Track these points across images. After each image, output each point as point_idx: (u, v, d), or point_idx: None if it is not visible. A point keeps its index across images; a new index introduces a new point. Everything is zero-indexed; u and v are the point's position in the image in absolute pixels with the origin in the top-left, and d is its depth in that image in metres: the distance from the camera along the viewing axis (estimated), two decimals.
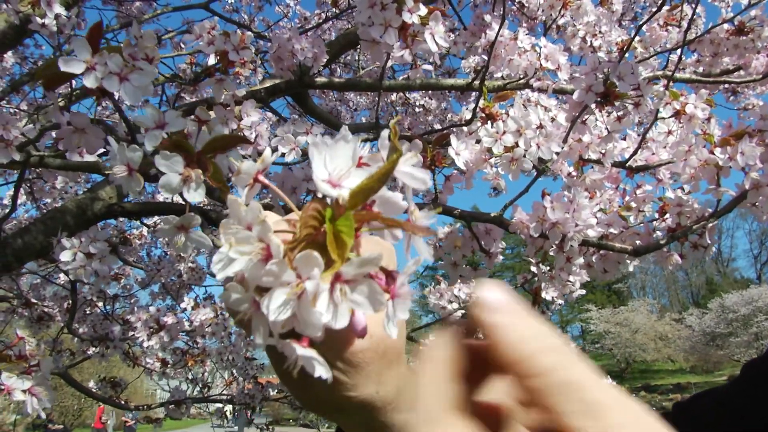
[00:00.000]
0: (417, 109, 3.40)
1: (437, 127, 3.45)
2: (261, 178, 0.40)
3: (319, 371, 0.34)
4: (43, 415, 1.20)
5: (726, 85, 2.61)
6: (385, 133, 0.38)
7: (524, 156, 1.08)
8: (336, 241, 0.33)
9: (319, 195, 0.36)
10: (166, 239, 0.67)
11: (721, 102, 3.64)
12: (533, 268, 1.36)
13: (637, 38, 2.28)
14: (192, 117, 0.87)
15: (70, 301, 2.17)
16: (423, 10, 0.97)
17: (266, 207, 0.38)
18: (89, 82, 0.71)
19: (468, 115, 1.33)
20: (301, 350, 0.34)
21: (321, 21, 3.43)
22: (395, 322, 0.36)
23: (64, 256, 1.36)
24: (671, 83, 2.29)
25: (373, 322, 0.41)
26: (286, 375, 0.44)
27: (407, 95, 3.44)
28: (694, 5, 1.45)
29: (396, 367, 0.45)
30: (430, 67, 1.44)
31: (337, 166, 0.36)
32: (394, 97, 3.88)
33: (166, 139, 0.66)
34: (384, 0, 1.01)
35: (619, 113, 1.25)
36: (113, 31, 3.22)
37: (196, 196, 0.60)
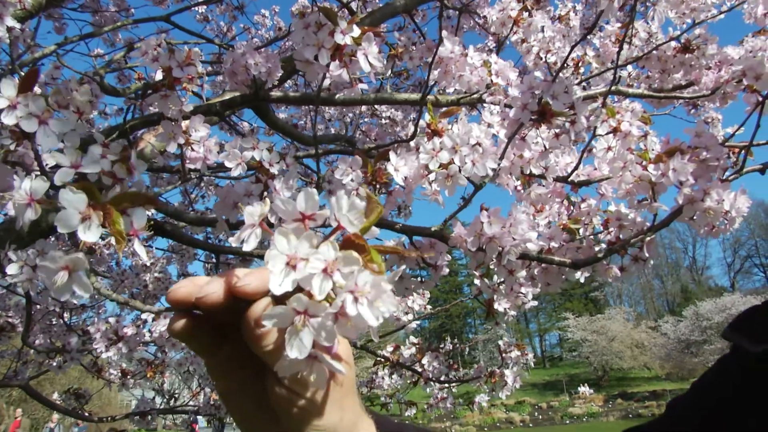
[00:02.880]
0: (384, 121, 3.43)
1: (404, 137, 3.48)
2: (264, 224, 0.47)
3: (339, 367, 0.43)
4: None
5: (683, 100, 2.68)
6: (363, 190, 0.48)
7: (459, 172, 1.11)
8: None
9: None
10: (46, 276, 0.67)
11: (681, 115, 3.72)
12: (477, 281, 1.39)
13: (592, 53, 2.34)
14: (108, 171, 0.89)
15: (26, 311, 2.15)
16: (356, 32, 1.00)
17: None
18: (8, 120, 0.73)
19: (412, 130, 1.36)
20: (330, 358, 0.42)
21: (287, 32, 3.45)
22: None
23: (11, 269, 1.36)
24: (625, 99, 2.34)
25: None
26: (254, 415, 0.49)
27: (375, 107, 3.47)
28: (625, 29, 1.50)
29: (353, 396, 0.49)
30: (365, 86, 1.47)
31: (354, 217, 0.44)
32: (364, 108, 3.91)
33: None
34: (320, 20, 1.04)
35: (556, 130, 1.28)
36: (80, 40, 3.20)
37: (90, 236, 0.61)
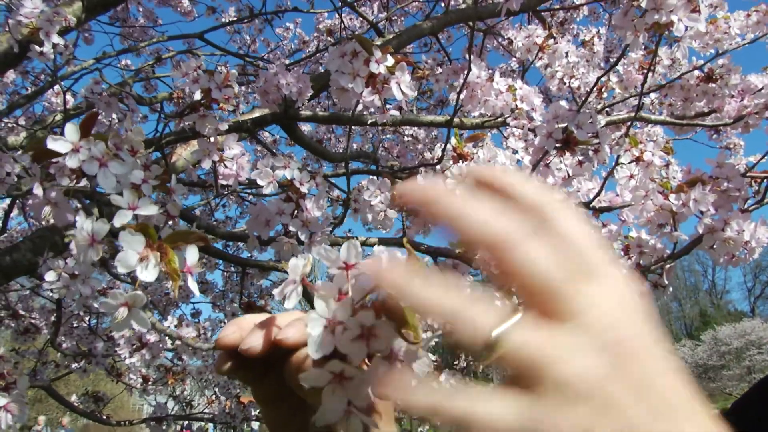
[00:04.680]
0: (406, 138, 3.48)
1: (427, 155, 3.53)
2: (306, 281, 0.48)
3: (371, 422, 0.44)
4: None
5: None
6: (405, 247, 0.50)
7: None
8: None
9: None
10: (107, 312, 0.71)
11: (703, 140, 3.72)
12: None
13: (615, 79, 2.37)
14: (162, 211, 0.94)
15: (56, 316, 2.22)
16: (390, 61, 1.04)
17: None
18: (71, 163, 0.78)
19: (439, 154, 1.40)
20: (363, 414, 0.43)
21: (315, 51, 3.52)
22: None
23: (49, 277, 1.41)
24: (637, 127, 2.36)
25: None
26: None
27: None
28: (652, 56, 1.53)
29: (390, 426, 0.54)
30: (397, 113, 1.52)
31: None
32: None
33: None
34: (356, 49, 1.09)
35: (580, 158, 1.32)
36: (117, 55, 3.29)
37: (148, 276, 0.64)
